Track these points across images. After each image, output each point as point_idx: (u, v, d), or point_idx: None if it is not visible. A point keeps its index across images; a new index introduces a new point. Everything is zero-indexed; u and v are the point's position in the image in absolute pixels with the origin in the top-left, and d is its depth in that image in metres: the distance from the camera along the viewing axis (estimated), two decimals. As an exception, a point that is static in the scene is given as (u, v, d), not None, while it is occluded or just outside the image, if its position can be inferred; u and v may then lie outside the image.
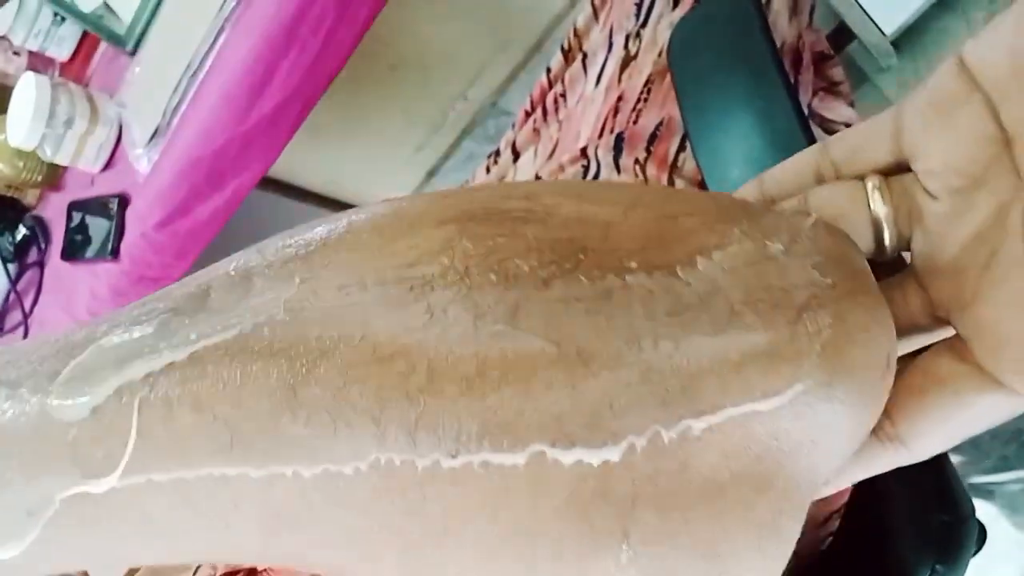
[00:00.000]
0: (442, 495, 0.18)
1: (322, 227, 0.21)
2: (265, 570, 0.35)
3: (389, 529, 0.18)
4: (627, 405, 0.18)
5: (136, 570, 0.41)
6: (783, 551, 0.20)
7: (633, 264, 0.20)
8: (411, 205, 0.21)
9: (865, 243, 0.24)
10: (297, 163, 1.48)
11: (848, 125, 0.72)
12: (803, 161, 0.27)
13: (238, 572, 0.35)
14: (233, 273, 0.21)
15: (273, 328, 0.19)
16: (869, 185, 0.24)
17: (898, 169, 0.24)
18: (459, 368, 0.18)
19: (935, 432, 0.23)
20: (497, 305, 0.19)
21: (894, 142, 0.24)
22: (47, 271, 1.07)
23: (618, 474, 0.18)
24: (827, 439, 0.21)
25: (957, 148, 0.22)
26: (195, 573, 0.37)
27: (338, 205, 1.65)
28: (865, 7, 1.13)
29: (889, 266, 0.25)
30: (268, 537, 0.19)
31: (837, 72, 0.75)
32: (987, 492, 1.09)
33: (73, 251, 0.98)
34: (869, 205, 0.24)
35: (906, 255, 0.25)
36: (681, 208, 0.22)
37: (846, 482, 0.24)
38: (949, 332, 0.24)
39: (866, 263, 0.23)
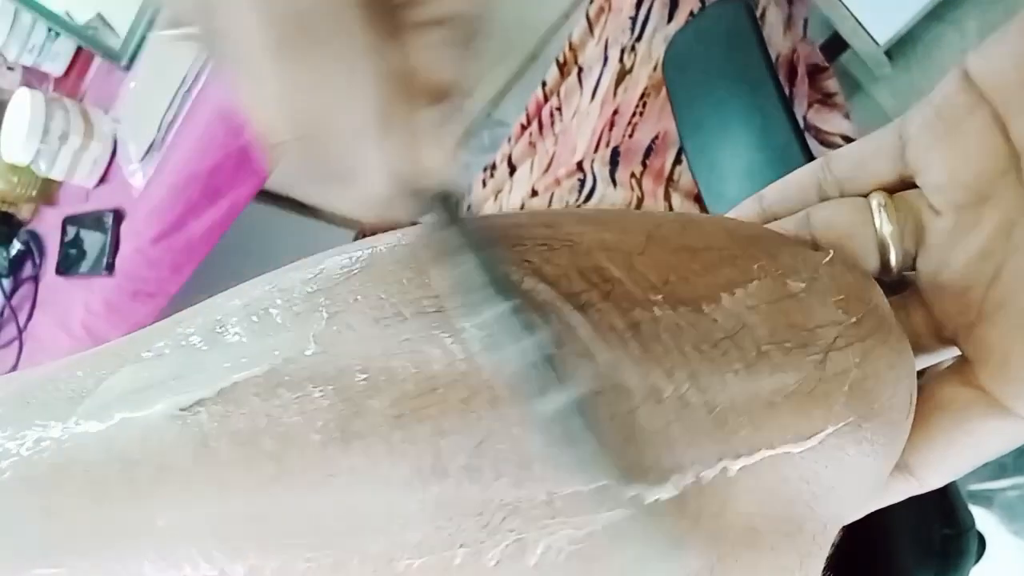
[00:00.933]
0: (499, 525, 0.17)
1: (340, 258, 0.20)
2: None
3: (442, 562, 0.17)
4: (671, 442, 0.18)
5: None
6: None
7: (659, 297, 0.19)
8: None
9: (871, 263, 0.24)
10: (292, 175, 1.47)
11: (844, 136, 0.72)
12: (804, 177, 0.26)
13: None
14: (247, 307, 0.20)
15: (307, 362, 0.18)
16: (874, 203, 0.24)
17: (902, 185, 0.24)
18: (520, 393, 0.17)
19: (942, 460, 0.23)
20: (544, 330, 0.18)
21: (898, 157, 0.23)
22: (42, 286, 1.06)
23: (667, 511, 0.18)
24: (855, 480, 0.20)
25: (963, 162, 0.22)
26: None
27: (335, 218, 1.65)
28: (858, 17, 1.13)
29: (891, 286, 0.25)
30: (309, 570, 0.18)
31: (831, 84, 0.75)
32: (985, 499, 1.09)
33: (68, 266, 0.98)
34: (875, 224, 0.24)
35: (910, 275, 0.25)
36: (698, 241, 0.21)
37: (857, 515, 0.24)
38: (954, 353, 0.23)
39: (884, 297, 0.23)
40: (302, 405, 0.17)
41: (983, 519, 1.11)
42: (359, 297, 0.19)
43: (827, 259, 0.22)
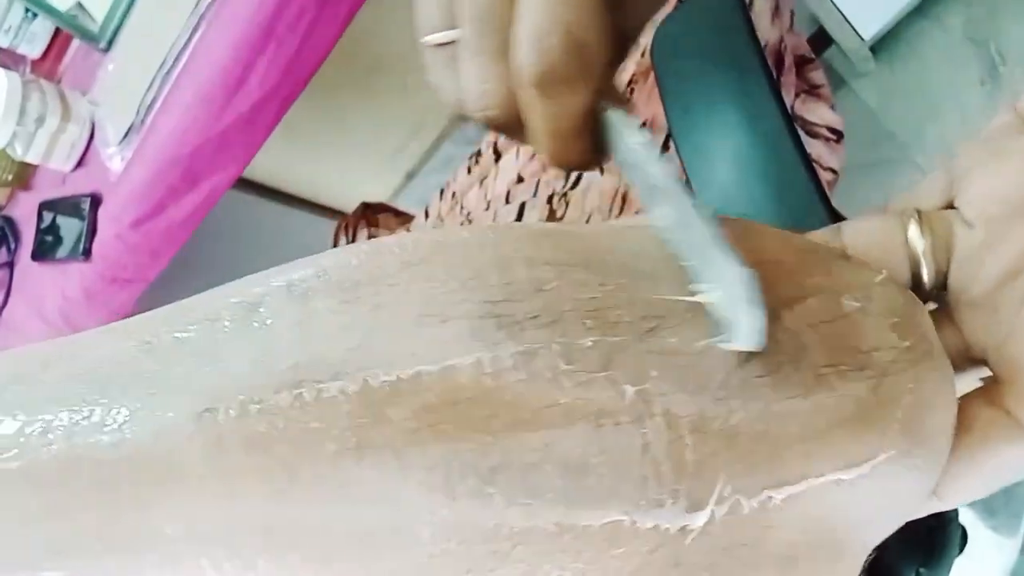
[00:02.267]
0: (509, 553, 0.17)
1: (396, 248, 0.19)
2: None
3: None
4: (712, 472, 0.17)
5: None
6: None
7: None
8: (496, 238, 0.20)
9: (902, 278, 0.23)
10: (274, 165, 1.46)
11: (830, 127, 0.72)
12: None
13: None
14: (289, 288, 0.19)
15: (338, 359, 0.17)
16: (906, 216, 0.23)
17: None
18: (543, 418, 0.17)
19: (965, 481, 0.22)
20: (592, 352, 0.17)
21: (946, 186, 0.23)
22: (17, 272, 1.05)
23: (695, 544, 0.17)
24: (900, 506, 0.20)
25: (1001, 177, 0.21)
26: None
27: (316, 207, 1.64)
28: (844, 12, 1.13)
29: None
30: None
31: (818, 75, 0.75)
32: (963, 496, 1.09)
33: (44, 252, 0.96)
34: (906, 236, 0.23)
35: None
36: (755, 248, 0.21)
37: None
38: (984, 373, 0.23)
39: (930, 320, 0.22)
40: (322, 409, 0.16)
41: (961, 514, 1.11)
42: (410, 288, 0.18)
43: (880, 278, 0.22)
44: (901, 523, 0.21)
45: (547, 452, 0.17)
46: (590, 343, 0.17)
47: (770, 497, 0.18)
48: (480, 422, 0.16)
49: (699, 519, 0.17)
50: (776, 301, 0.19)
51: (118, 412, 0.17)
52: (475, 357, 0.17)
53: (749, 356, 0.18)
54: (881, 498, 0.19)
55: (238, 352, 0.17)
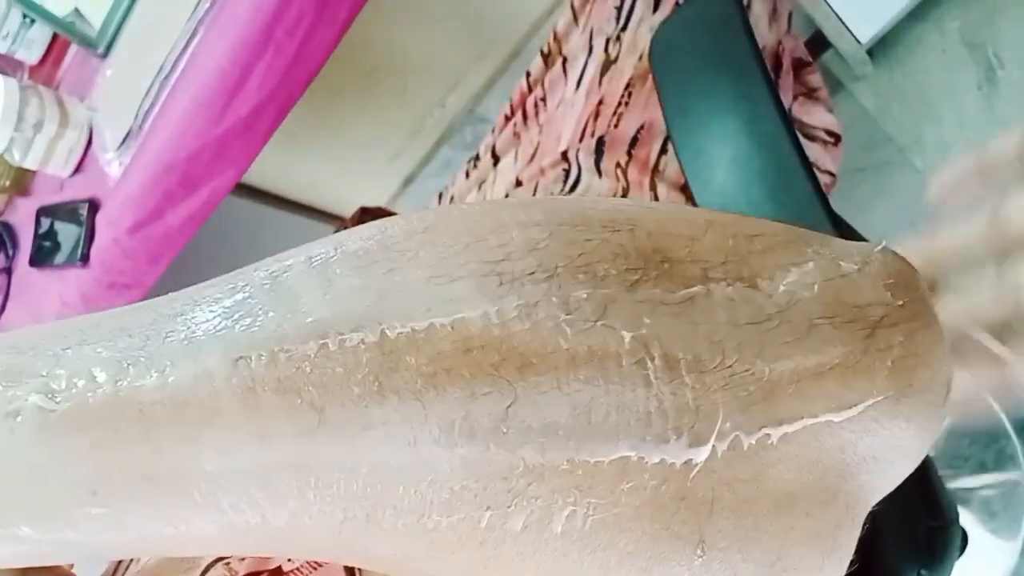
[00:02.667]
0: (525, 490, 0.18)
1: (403, 221, 0.21)
2: (291, 571, 0.33)
3: (469, 522, 0.18)
4: (711, 409, 0.18)
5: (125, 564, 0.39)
6: (840, 564, 0.21)
7: (716, 275, 0.20)
8: (492, 207, 0.21)
9: None
10: (273, 170, 1.46)
11: (828, 131, 0.72)
12: None
13: (261, 573, 0.33)
14: (309, 261, 0.20)
15: (358, 315, 0.18)
16: None
17: None
18: (549, 361, 0.18)
19: None
20: (587, 303, 0.19)
21: None
22: (15, 278, 1.05)
23: (699, 478, 0.18)
24: (888, 456, 0.21)
25: None
26: (205, 572, 0.35)
27: (314, 212, 1.64)
28: (841, 16, 1.14)
29: None
30: (344, 525, 0.18)
31: (815, 78, 0.76)
32: (963, 498, 1.09)
33: (42, 258, 0.96)
34: None
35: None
36: (756, 229, 0.22)
37: (885, 491, 0.25)
38: None
39: (928, 291, 0.24)
40: (345, 356, 0.18)
41: (961, 516, 1.11)
42: (419, 254, 0.19)
43: (879, 247, 0.23)
44: (895, 481, 0.22)
45: (556, 393, 0.18)
46: (584, 295, 0.19)
47: (768, 435, 0.19)
48: (492, 367, 0.18)
49: (702, 454, 0.18)
50: (770, 266, 0.21)
51: (160, 360, 0.18)
52: (482, 310, 0.18)
53: (738, 306, 0.20)
54: (869, 443, 0.20)
55: (267, 311, 0.19)
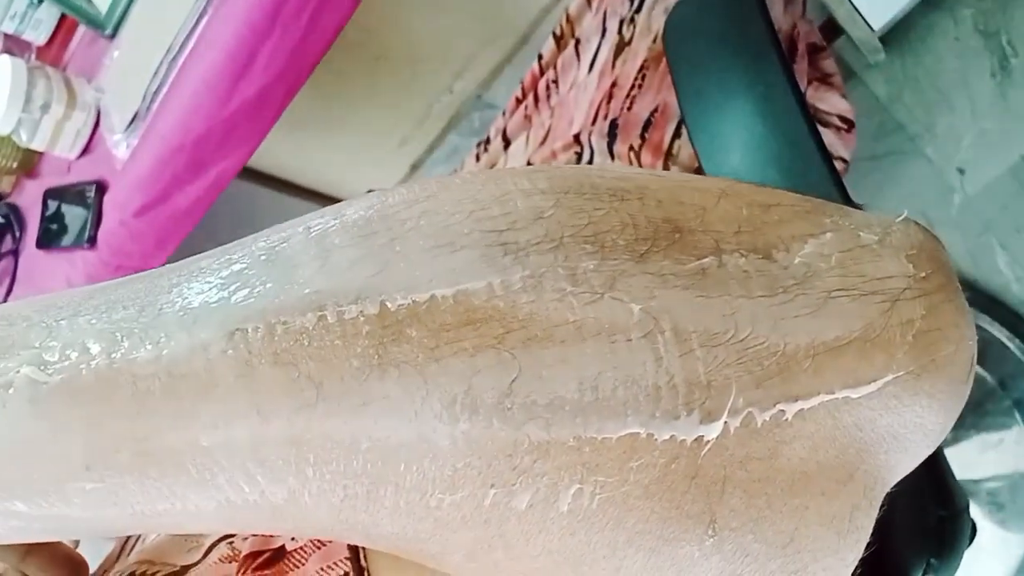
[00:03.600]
0: (530, 468, 0.17)
1: (404, 190, 0.20)
2: (295, 550, 0.33)
3: (473, 500, 0.18)
4: (723, 384, 0.18)
5: (130, 543, 0.39)
6: (856, 546, 0.20)
7: (728, 246, 0.20)
8: (495, 175, 0.21)
9: None
10: (280, 155, 1.46)
11: (841, 116, 0.72)
12: None
13: (264, 552, 0.33)
14: (308, 230, 0.20)
15: (357, 286, 0.18)
16: None
17: None
18: (555, 335, 0.17)
19: None
20: (595, 274, 0.18)
21: None
22: (22, 260, 1.04)
23: (710, 456, 0.18)
24: (909, 435, 0.21)
25: None
26: (208, 551, 0.35)
27: (321, 198, 1.63)
28: (854, 2, 1.12)
29: None
30: (344, 503, 0.18)
31: (829, 64, 0.75)
32: (969, 491, 1.09)
33: (49, 240, 0.96)
34: None
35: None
36: (771, 199, 0.22)
37: (907, 470, 0.24)
38: None
39: (949, 259, 0.23)
40: (344, 328, 0.17)
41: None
42: (421, 223, 0.19)
43: (900, 218, 0.23)
44: (914, 462, 0.22)
45: (562, 367, 0.17)
46: (592, 266, 0.18)
47: (782, 411, 0.18)
48: (496, 340, 0.17)
49: (713, 431, 0.18)
50: (786, 237, 0.20)
51: (155, 332, 0.18)
52: (486, 281, 0.18)
53: (752, 278, 0.19)
54: (889, 421, 0.20)
55: (264, 283, 0.18)
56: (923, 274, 0.21)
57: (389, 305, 0.17)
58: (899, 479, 0.22)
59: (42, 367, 0.18)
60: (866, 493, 0.20)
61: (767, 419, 0.18)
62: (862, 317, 0.19)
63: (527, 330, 0.17)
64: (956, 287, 0.22)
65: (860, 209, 0.24)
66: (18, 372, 0.18)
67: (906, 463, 0.21)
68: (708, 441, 0.18)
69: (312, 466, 0.17)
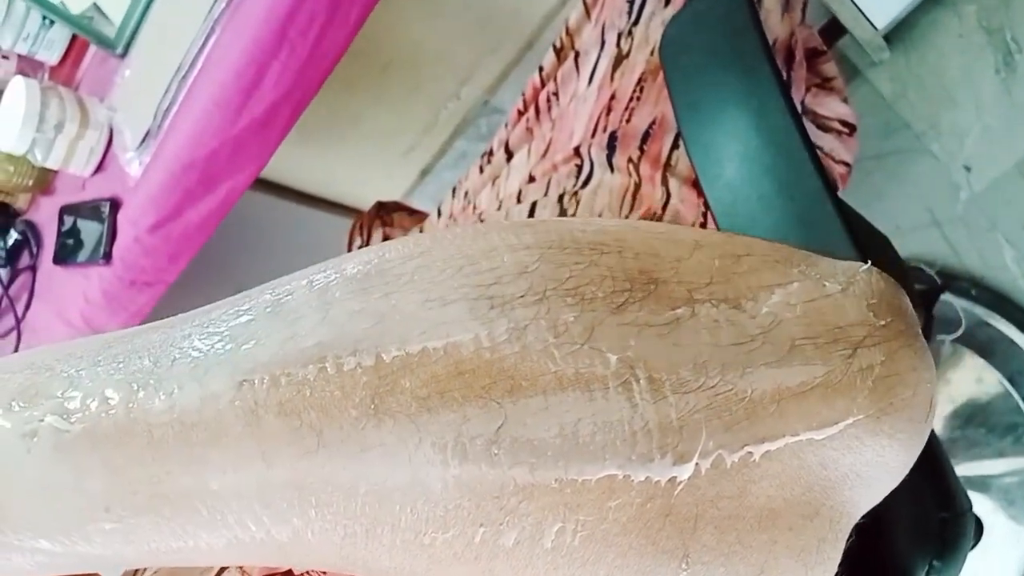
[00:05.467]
0: (516, 508, 0.18)
1: (400, 245, 0.22)
2: (303, 574, 0.34)
3: (464, 538, 0.19)
4: (695, 429, 0.19)
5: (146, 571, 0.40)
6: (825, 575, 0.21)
7: (701, 296, 0.21)
8: (484, 230, 0.22)
9: None
10: (290, 165, 1.47)
11: (842, 121, 0.72)
12: None
13: (275, 574, 0.35)
14: (310, 284, 0.21)
15: (355, 338, 0.19)
16: None
17: None
18: (538, 384, 0.19)
19: None
20: (575, 326, 0.19)
21: None
22: (39, 276, 1.06)
23: (683, 495, 0.19)
24: (871, 472, 0.22)
25: None
26: (220, 572, 0.36)
27: (331, 206, 1.64)
28: (857, 1, 1.13)
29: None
30: (344, 541, 0.19)
31: (830, 68, 0.75)
32: (983, 484, 1.09)
33: (65, 255, 0.98)
34: None
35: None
36: (742, 249, 0.23)
37: (870, 505, 0.25)
38: None
39: (912, 308, 0.24)
40: (343, 379, 0.19)
41: (980, 504, 1.11)
42: (415, 278, 0.20)
43: (864, 268, 0.24)
44: (878, 496, 0.23)
45: (544, 415, 0.18)
46: (572, 318, 0.19)
47: (750, 453, 0.19)
48: (483, 389, 0.18)
49: (686, 472, 0.19)
50: (755, 287, 0.21)
51: (168, 384, 0.19)
52: (473, 333, 0.19)
53: (722, 327, 0.20)
54: (852, 460, 0.21)
55: (270, 336, 0.20)
56: (883, 322, 0.22)
57: (384, 357, 0.19)
58: (864, 512, 0.23)
59: (64, 416, 0.19)
60: (832, 527, 0.21)
61: (736, 460, 0.19)
62: (825, 364, 0.21)
63: (512, 380, 0.19)
64: (915, 332, 0.23)
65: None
66: (42, 421, 0.19)
67: (870, 497, 0.22)
68: (681, 481, 0.19)
69: (314, 508, 0.19)
